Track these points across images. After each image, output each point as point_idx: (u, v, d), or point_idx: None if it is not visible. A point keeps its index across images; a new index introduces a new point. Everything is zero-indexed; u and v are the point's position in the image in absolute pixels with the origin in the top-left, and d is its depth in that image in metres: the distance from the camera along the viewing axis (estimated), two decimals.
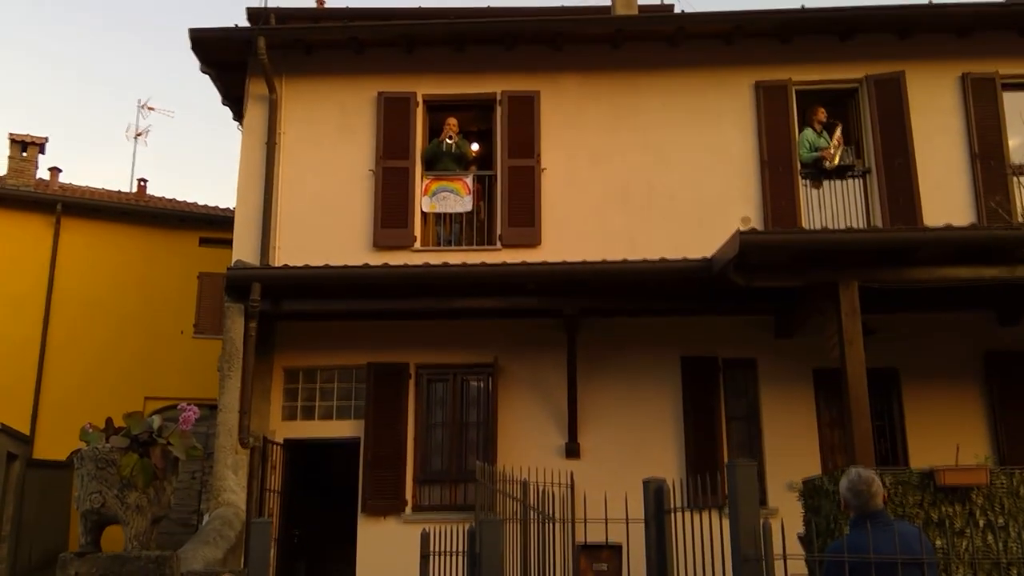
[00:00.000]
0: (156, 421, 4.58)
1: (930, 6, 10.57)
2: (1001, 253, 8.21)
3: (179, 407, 4.73)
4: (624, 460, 9.51)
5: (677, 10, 12.85)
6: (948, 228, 8.52)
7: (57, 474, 14.53)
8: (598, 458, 9.76)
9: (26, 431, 14.89)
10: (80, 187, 18.02)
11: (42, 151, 17.40)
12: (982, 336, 10.03)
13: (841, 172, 10.71)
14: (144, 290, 15.93)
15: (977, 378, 9.99)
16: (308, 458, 10.98)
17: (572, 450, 9.80)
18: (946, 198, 10.31)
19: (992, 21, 10.74)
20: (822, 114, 10.83)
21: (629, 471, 8.83)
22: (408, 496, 9.81)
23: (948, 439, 9.14)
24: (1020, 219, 9.36)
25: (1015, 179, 9.99)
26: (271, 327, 10.27)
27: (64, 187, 17.54)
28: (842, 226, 10.39)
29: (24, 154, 17.08)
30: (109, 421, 4.66)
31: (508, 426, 9.93)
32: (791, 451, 9.72)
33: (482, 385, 10.18)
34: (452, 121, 11.07)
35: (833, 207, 10.67)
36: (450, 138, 10.94)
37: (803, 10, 10.66)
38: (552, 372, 10.01)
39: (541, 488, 8.44)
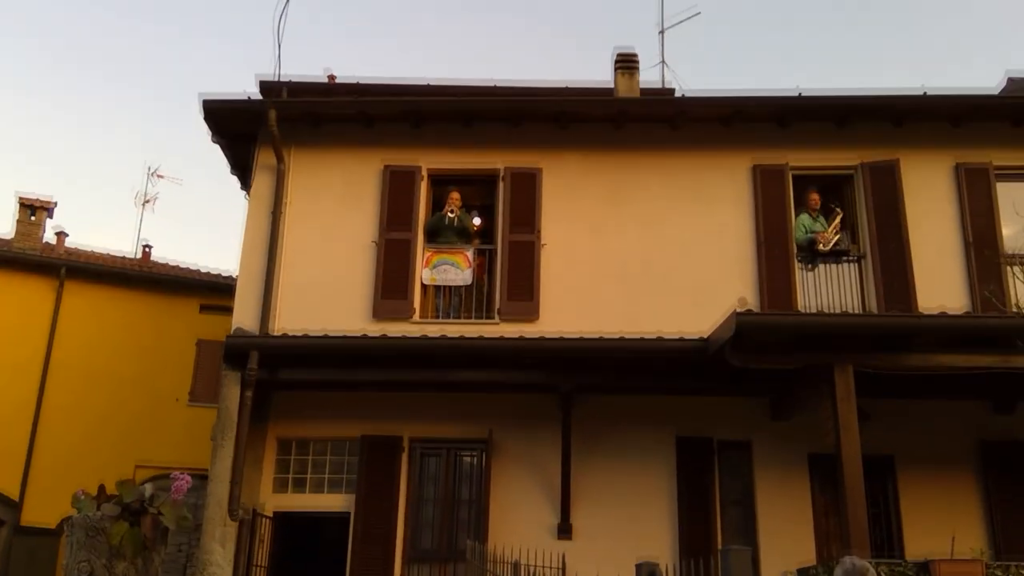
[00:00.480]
0: (148, 490, 4.59)
1: (925, 96, 10.82)
2: (996, 342, 8.27)
3: (171, 475, 4.74)
4: (617, 541, 9.38)
5: (678, 93, 13.15)
6: (943, 315, 8.60)
7: (45, 541, 14.31)
8: (591, 538, 9.64)
9: (15, 496, 14.73)
10: (85, 251, 18.16)
11: (50, 215, 17.59)
12: (977, 425, 10.00)
13: (836, 256, 10.83)
14: (143, 356, 15.92)
15: (973, 467, 9.93)
16: (297, 531, 10.83)
17: (564, 530, 9.69)
18: (940, 284, 10.40)
19: (986, 112, 10.97)
20: (815, 200, 11.00)
21: (622, 553, 8.74)
22: (397, 574, 9.66)
23: (944, 528, 9.10)
24: (1014, 308, 9.42)
25: (1009, 268, 10.09)
26: (267, 396, 10.26)
27: (69, 251, 17.67)
28: (837, 309, 10.46)
29: (32, 217, 17.27)
30: (101, 488, 4.67)
31: (500, 503, 9.83)
32: (786, 537, 9.61)
33: (475, 460, 10.11)
34: (455, 195, 11.24)
35: (829, 290, 10.75)
36: (452, 212, 11.10)
37: (800, 97, 10.91)
38: (546, 448, 9.96)
39: (532, 570, 8.32)
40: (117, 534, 4.29)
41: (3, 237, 17.36)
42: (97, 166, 46.90)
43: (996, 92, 12.46)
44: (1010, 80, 13.43)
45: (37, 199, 17.44)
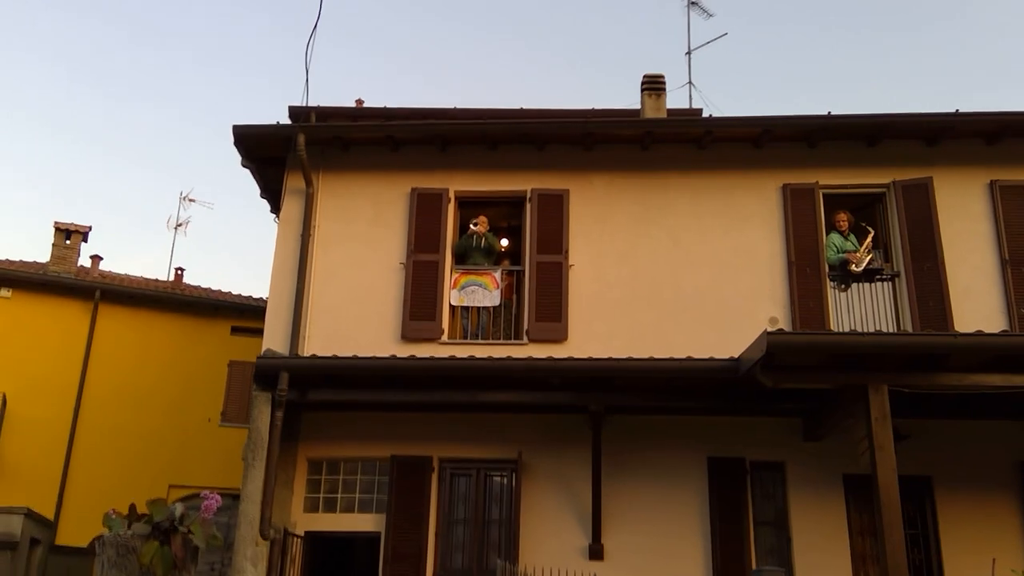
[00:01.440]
0: (179, 509, 4.61)
1: (958, 114, 10.71)
2: None
3: (201, 495, 4.76)
4: (648, 563, 9.31)
5: (705, 114, 13.13)
6: (979, 334, 8.45)
7: (80, 560, 14.44)
8: (622, 560, 9.55)
9: (51, 516, 14.90)
10: (119, 275, 18.44)
11: (85, 239, 17.90)
12: (1016, 445, 9.80)
13: (869, 275, 10.70)
14: (175, 377, 16.11)
15: (1012, 488, 9.72)
16: (329, 551, 10.84)
17: (595, 551, 9.60)
18: (976, 303, 10.25)
19: (1020, 129, 10.83)
20: (843, 221, 10.90)
21: (654, 574, 8.66)
22: None
23: (983, 550, 8.91)
24: None
25: None
26: (297, 416, 10.31)
27: (104, 275, 17.95)
28: (871, 329, 10.33)
29: (68, 242, 17.58)
30: (132, 507, 4.70)
31: (531, 524, 9.78)
32: (821, 559, 9.46)
33: (505, 481, 10.07)
34: (482, 217, 11.29)
35: (862, 310, 10.63)
36: (478, 233, 11.13)
37: (830, 116, 10.84)
38: (577, 469, 9.91)
39: None
40: (147, 553, 4.31)
41: (39, 261, 17.68)
42: (130, 192, 47.71)
43: None
44: None
45: (72, 224, 17.76)
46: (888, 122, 10.84)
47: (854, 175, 11.06)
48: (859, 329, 10.31)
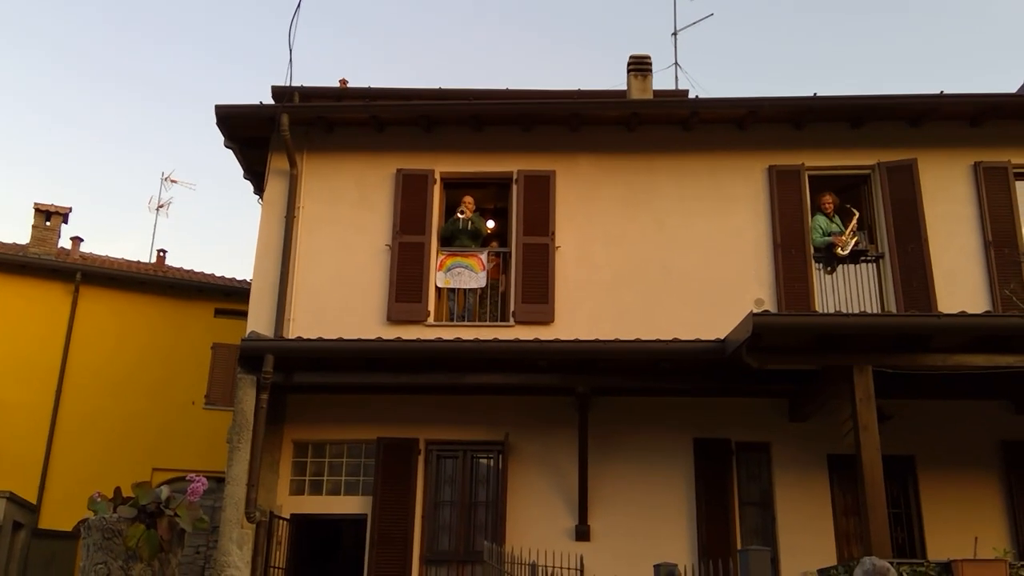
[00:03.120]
0: (164, 492, 4.57)
1: (941, 96, 10.73)
2: (1016, 341, 8.18)
3: (187, 478, 4.72)
4: (635, 543, 9.35)
5: (692, 95, 13.10)
6: (963, 315, 8.50)
7: (63, 544, 14.38)
8: (609, 541, 9.59)
9: (33, 500, 14.80)
10: (100, 256, 18.26)
11: (65, 221, 17.70)
12: (999, 425, 9.90)
13: (854, 257, 10.74)
14: (158, 360, 16.00)
15: (995, 468, 9.82)
16: (315, 534, 10.82)
17: (582, 532, 9.64)
18: (960, 285, 10.31)
19: (1004, 111, 10.87)
20: (829, 203, 10.93)
21: (640, 555, 8.71)
22: None
23: (966, 529, 9.00)
24: None
25: None
26: (282, 399, 10.27)
27: (84, 256, 17.77)
28: (856, 310, 10.38)
29: (48, 223, 17.38)
30: (117, 491, 4.65)
31: (517, 505, 9.79)
32: (806, 538, 9.53)
33: (492, 463, 10.08)
34: (468, 199, 11.23)
35: (847, 291, 10.68)
36: (462, 212, 11.08)
37: (815, 97, 10.84)
38: (563, 451, 9.92)
39: (550, 571, 8.28)
40: (133, 536, 4.27)
41: (19, 243, 17.48)
42: (112, 173, 47.26)
43: (1014, 91, 12.34)
44: None
45: (52, 205, 17.55)
46: (873, 103, 10.85)
47: (839, 157, 11.08)
48: (844, 310, 10.36)
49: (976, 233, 10.60)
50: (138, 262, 18.55)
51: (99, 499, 4.54)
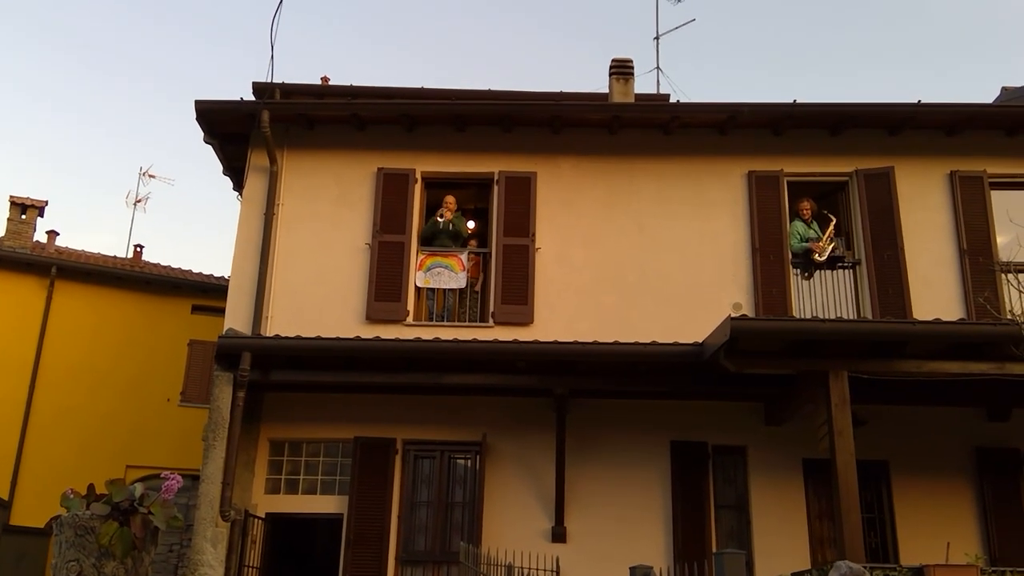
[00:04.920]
0: (138, 489, 4.53)
1: (919, 105, 10.83)
2: (990, 349, 8.27)
3: (162, 475, 4.68)
4: (611, 545, 9.37)
5: (673, 100, 13.15)
6: (938, 322, 8.59)
7: (34, 541, 14.21)
8: (585, 543, 9.61)
9: (5, 496, 14.63)
10: (76, 251, 18.07)
11: (41, 214, 17.50)
12: (972, 431, 10.01)
13: (831, 263, 10.83)
14: (134, 356, 15.85)
15: (968, 474, 9.93)
16: (290, 533, 10.77)
17: (559, 534, 9.65)
18: (935, 292, 10.42)
19: (980, 120, 11.00)
20: (807, 209, 11.01)
21: (616, 557, 8.73)
22: None
23: (939, 534, 9.09)
24: (1009, 316, 9.43)
25: (1003, 276, 10.10)
26: (259, 397, 10.21)
27: (60, 250, 17.58)
28: (832, 315, 10.46)
29: (23, 216, 17.17)
30: (91, 487, 4.60)
31: (494, 507, 9.79)
32: (780, 542, 9.59)
33: (469, 463, 10.07)
34: (450, 199, 11.22)
35: (824, 296, 10.76)
36: (441, 216, 11.07)
37: (795, 104, 10.91)
38: (540, 452, 9.93)
39: (526, 573, 8.29)
40: (106, 534, 4.22)
41: None
42: (89, 166, 46.81)
43: (990, 101, 12.50)
44: (1004, 90, 13.51)
45: (28, 198, 17.35)
46: (852, 111, 10.95)
47: (818, 163, 11.16)
48: (820, 316, 10.44)
49: (952, 241, 10.71)
50: (115, 257, 18.38)
51: (72, 496, 4.50)
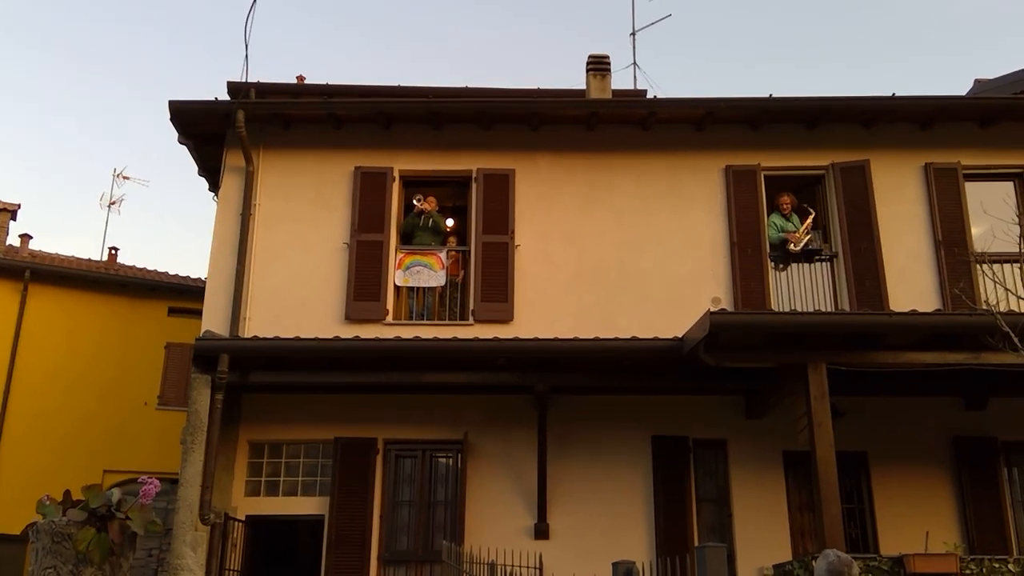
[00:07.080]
0: (116, 495, 4.48)
1: (893, 98, 10.92)
2: (966, 339, 8.34)
3: (139, 480, 4.63)
4: (593, 541, 9.37)
5: (650, 95, 13.18)
6: (914, 313, 8.67)
7: (10, 548, 14.03)
8: (567, 539, 9.61)
9: None
10: (50, 254, 17.85)
11: (14, 217, 17.27)
12: (950, 421, 10.09)
13: (808, 256, 10.90)
14: (110, 360, 15.68)
15: (946, 463, 10.02)
16: (271, 535, 10.70)
17: (541, 531, 9.66)
18: (911, 284, 10.50)
19: (954, 113, 11.10)
20: (786, 203, 11.07)
21: (598, 552, 8.72)
22: None
23: (918, 524, 9.18)
24: (984, 306, 9.53)
25: (978, 267, 10.20)
26: (237, 399, 10.13)
27: (34, 254, 17.37)
28: (810, 308, 10.52)
29: None
30: (67, 493, 4.55)
31: (477, 505, 9.78)
32: (761, 534, 9.65)
33: (451, 462, 10.05)
34: (429, 197, 11.19)
35: (802, 290, 10.82)
36: (418, 201, 11.04)
37: (771, 99, 10.96)
38: (522, 449, 9.92)
39: (509, 570, 8.27)
40: (83, 540, 4.18)
41: None
42: (62, 168, 46.30)
43: (963, 93, 12.61)
44: (977, 82, 13.62)
45: (0, 201, 17.13)
46: (827, 105, 11.01)
47: (795, 157, 11.22)
48: (799, 309, 10.50)
49: (927, 233, 10.80)
50: (89, 260, 18.17)
51: (48, 502, 4.44)
